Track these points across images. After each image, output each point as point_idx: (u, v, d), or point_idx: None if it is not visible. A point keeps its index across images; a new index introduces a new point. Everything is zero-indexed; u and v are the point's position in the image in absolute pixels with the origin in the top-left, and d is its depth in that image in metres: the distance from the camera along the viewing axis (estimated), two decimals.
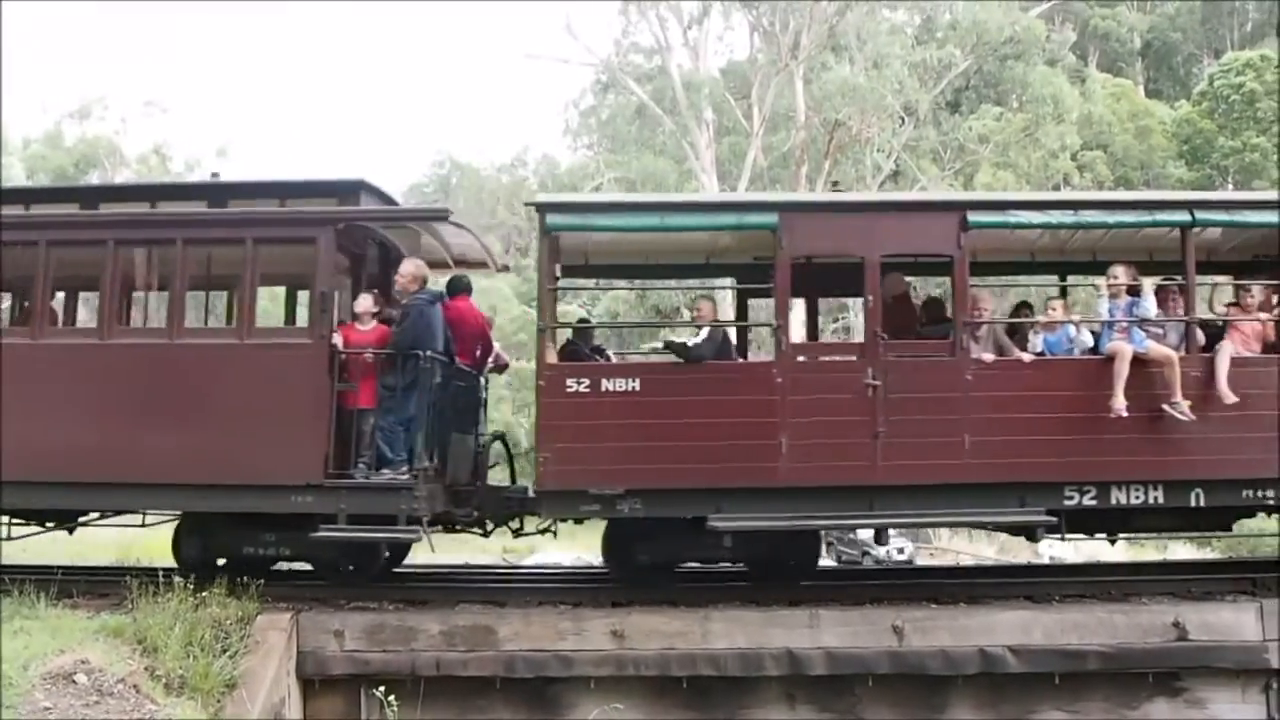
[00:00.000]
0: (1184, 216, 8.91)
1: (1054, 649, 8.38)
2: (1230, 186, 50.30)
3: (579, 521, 9.67)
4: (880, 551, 25.65)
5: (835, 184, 10.79)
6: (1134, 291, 8.88)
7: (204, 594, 8.12)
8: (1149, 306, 8.80)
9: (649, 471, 8.44)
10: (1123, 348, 8.59)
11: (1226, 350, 8.65)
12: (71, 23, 79.19)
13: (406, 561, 11.12)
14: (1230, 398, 8.42)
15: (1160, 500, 8.63)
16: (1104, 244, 9.87)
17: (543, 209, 8.95)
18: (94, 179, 44.64)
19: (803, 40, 34.72)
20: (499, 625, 8.46)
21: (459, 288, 9.44)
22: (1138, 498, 8.63)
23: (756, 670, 8.39)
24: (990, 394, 8.52)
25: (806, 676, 8.41)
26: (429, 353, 8.55)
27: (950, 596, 8.94)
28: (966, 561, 21.11)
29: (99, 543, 10.76)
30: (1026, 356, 8.79)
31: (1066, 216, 9.06)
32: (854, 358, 8.80)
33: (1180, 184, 52.29)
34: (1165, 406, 8.42)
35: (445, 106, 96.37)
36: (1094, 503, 8.61)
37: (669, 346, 9.06)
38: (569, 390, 8.49)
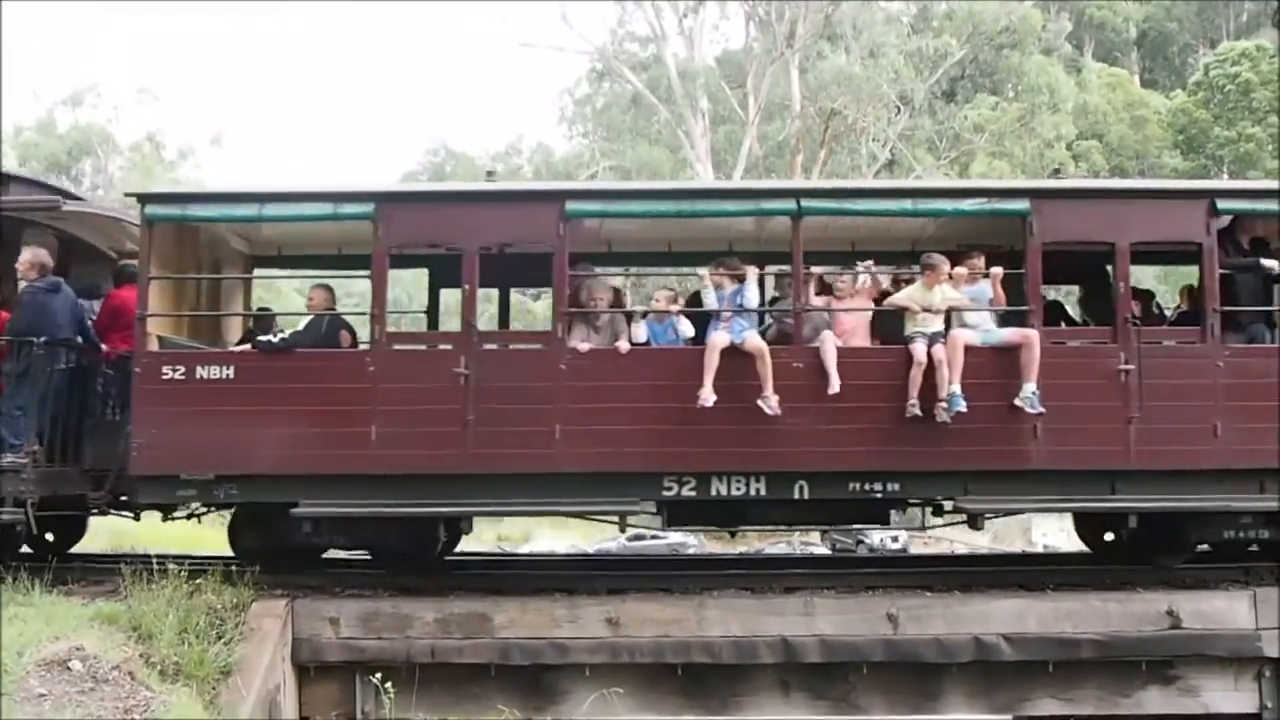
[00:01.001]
0: (790, 205, 8.75)
1: (1048, 637, 8.39)
2: (1225, 176, 50.38)
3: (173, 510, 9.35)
4: (875, 540, 25.75)
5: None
6: (742, 280, 8.69)
7: (199, 581, 8.12)
8: (750, 297, 8.62)
9: (239, 457, 8.43)
10: (714, 339, 8.39)
11: (830, 340, 8.43)
12: (64, 9, 78.81)
13: None
14: (836, 388, 8.25)
15: (763, 492, 8.54)
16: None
17: (142, 199, 8.92)
18: (86, 167, 44.49)
19: (798, 29, 34.71)
20: (494, 613, 8.46)
21: (123, 277, 9.51)
22: (739, 489, 8.54)
23: (751, 658, 8.39)
24: (583, 384, 8.42)
25: (801, 664, 8.42)
26: (44, 339, 8.53)
27: (945, 585, 8.94)
28: (961, 550, 21.21)
29: (92, 530, 10.72)
30: (624, 346, 8.60)
31: (683, 205, 8.95)
32: (449, 347, 8.72)
33: (1175, 174, 52.43)
34: (759, 401, 8.25)
35: (440, 95, 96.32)
36: (694, 494, 8.52)
37: (255, 345, 8.90)
38: (164, 377, 8.47)
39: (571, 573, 10.01)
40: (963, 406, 8.24)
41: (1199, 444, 8.49)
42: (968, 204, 9.00)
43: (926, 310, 8.53)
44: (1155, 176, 52.28)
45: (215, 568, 8.48)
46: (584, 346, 8.60)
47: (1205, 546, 9.59)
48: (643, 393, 8.45)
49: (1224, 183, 8.60)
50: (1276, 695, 8.54)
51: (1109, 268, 9.00)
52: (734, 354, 8.36)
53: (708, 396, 8.20)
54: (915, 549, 24.20)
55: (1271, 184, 9.15)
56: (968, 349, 8.45)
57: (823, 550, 25.43)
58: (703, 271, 8.86)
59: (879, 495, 8.58)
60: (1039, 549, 22.63)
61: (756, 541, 26.54)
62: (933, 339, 8.41)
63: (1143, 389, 8.49)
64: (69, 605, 7.94)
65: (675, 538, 25.33)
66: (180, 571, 8.07)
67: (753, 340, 8.42)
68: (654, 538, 25.20)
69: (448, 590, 8.87)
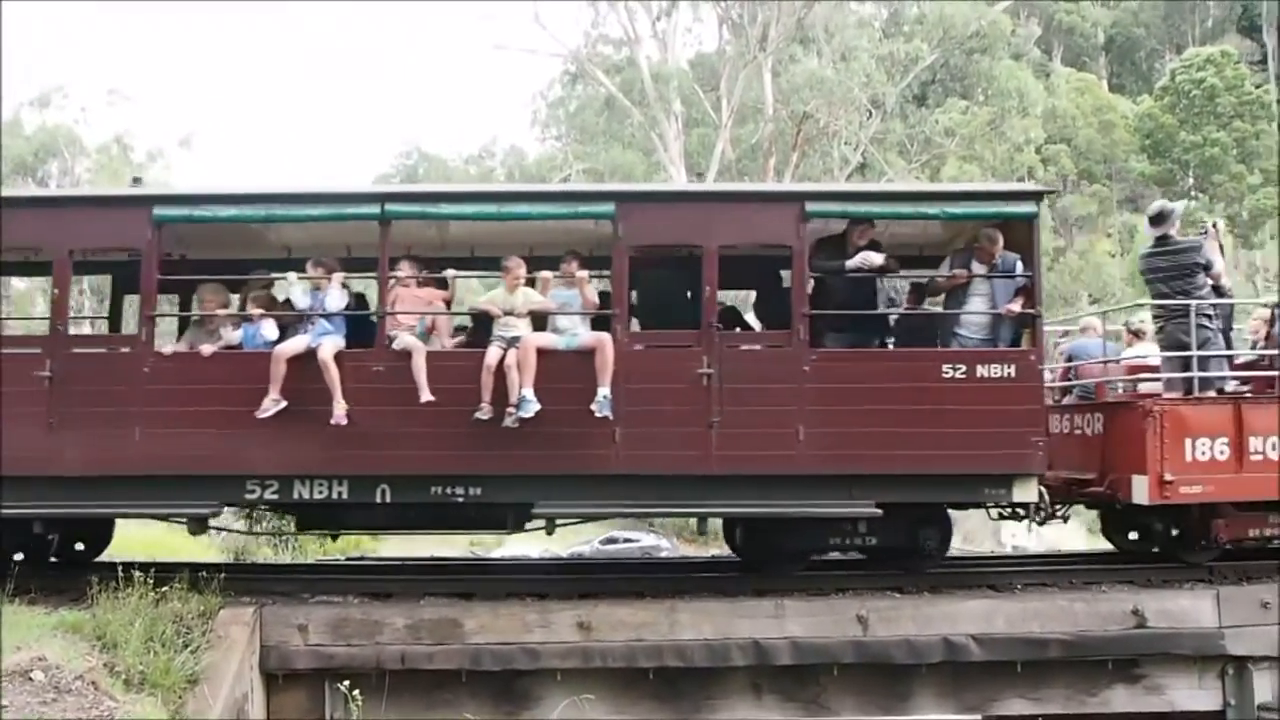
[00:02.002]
0: (375, 209, 8.69)
1: (1016, 637, 8.46)
2: (1191, 180, 51.03)
3: None
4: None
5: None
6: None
7: (165, 589, 8.03)
8: (331, 301, 8.55)
9: None
10: (281, 348, 8.36)
11: (420, 352, 8.32)
12: (31, 9, 77.85)
13: (372, 554, 11.07)
14: (427, 398, 8.18)
15: (345, 495, 8.51)
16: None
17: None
18: (53, 169, 43.95)
19: (771, 33, 34.83)
20: (465, 618, 8.43)
21: None
22: (321, 493, 8.51)
23: (723, 661, 8.41)
24: (165, 387, 8.41)
25: (772, 667, 8.45)
26: None
27: (914, 586, 9.00)
28: None
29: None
30: (207, 349, 8.60)
31: (259, 210, 8.85)
32: (126, 349, 8.70)
33: (1142, 178, 53.06)
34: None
35: (413, 97, 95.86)
36: (276, 496, 8.52)
37: None
38: None
39: (544, 577, 9.98)
40: (531, 411, 8.10)
41: (781, 449, 8.38)
42: (555, 208, 8.93)
43: (509, 314, 8.45)
44: (1122, 181, 52.95)
45: (183, 575, 8.40)
46: (168, 349, 8.64)
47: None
48: (224, 396, 8.37)
49: (815, 186, 8.50)
50: (1239, 692, 8.66)
51: (783, 273, 8.92)
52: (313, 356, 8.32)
53: (269, 407, 8.17)
54: None
55: (866, 186, 9.14)
56: (549, 353, 8.34)
57: None
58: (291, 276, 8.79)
59: (461, 499, 8.48)
60: (1008, 550, 22.80)
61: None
62: (510, 343, 8.30)
63: (723, 393, 8.39)
64: (32, 614, 7.85)
65: (648, 541, 25.31)
66: (146, 579, 7.99)
67: (322, 350, 8.31)
68: (626, 541, 25.18)
69: (418, 596, 8.83)
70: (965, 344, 8.86)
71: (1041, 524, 9.31)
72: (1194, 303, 8.99)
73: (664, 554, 23.82)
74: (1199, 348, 8.92)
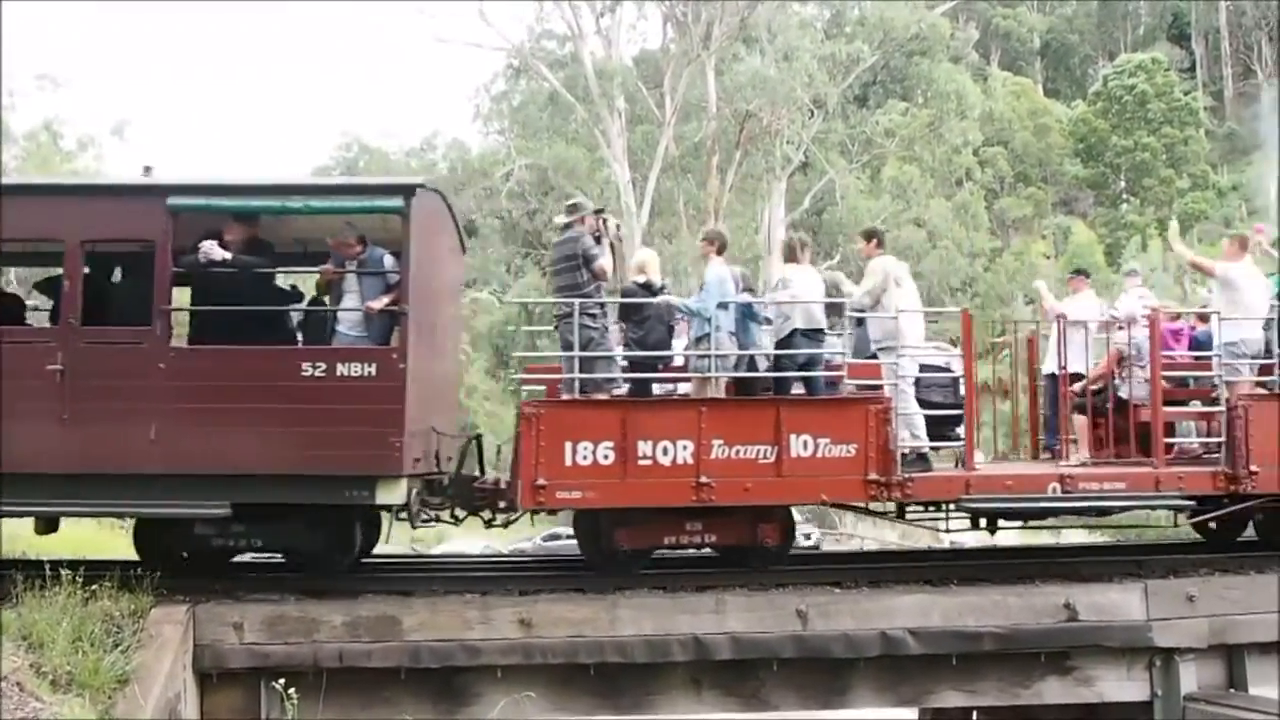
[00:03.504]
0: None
1: (951, 631, 8.59)
2: (1123, 184, 52.29)
3: None
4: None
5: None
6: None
7: (94, 588, 7.84)
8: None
9: None
10: None
11: None
12: None
13: None
14: None
15: None
16: None
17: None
18: None
19: (714, 31, 34.96)
20: (404, 615, 8.34)
21: None
22: None
23: (663, 657, 8.42)
24: None
25: (712, 662, 8.48)
26: None
27: (853, 581, 9.10)
28: (870, 547, 21.60)
29: None
30: None
31: None
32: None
33: (1076, 181, 54.24)
34: None
35: (353, 88, 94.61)
36: None
37: None
38: None
39: (484, 574, 9.91)
40: None
41: (135, 447, 8.10)
42: None
43: None
44: (1057, 184, 54.07)
45: (113, 573, 8.20)
46: None
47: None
48: None
49: (180, 180, 8.50)
50: (1166, 683, 8.88)
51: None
52: None
53: None
54: (827, 545, 24.59)
55: (233, 181, 9.03)
56: None
57: None
58: None
59: None
60: (946, 545, 23.15)
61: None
62: None
63: (76, 389, 8.14)
64: None
65: None
66: (75, 578, 7.79)
67: None
68: (569, 537, 25.10)
69: (356, 593, 8.72)
70: (343, 342, 8.65)
71: (415, 527, 9.24)
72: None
73: None
74: (583, 347, 8.59)
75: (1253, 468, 8.96)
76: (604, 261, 8.84)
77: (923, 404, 9.34)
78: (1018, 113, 50.83)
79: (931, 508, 9.69)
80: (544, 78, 37.10)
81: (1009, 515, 9.69)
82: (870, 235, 10.00)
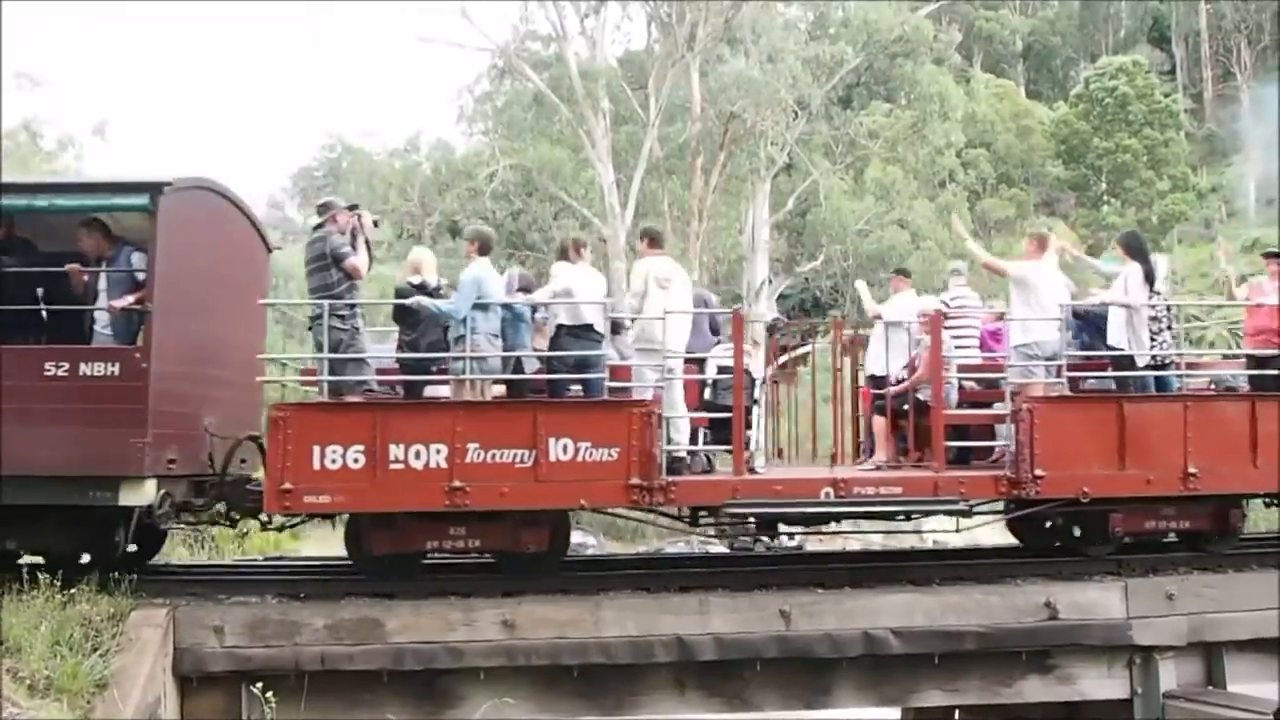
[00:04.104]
0: None
1: (934, 630, 8.63)
2: (1104, 185, 52.60)
3: None
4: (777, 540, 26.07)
5: None
6: None
7: (73, 591, 7.78)
8: None
9: None
10: None
11: None
12: None
13: (291, 554, 10.86)
14: None
15: None
16: None
17: None
18: None
19: (699, 32, 34.94)
20: (387, 618, 8.32)
21: None
22: None
23: (647, 658, 8.43)
24: None
25: (696, 662, 8.49)
26: None
27: (835, 581, 9.12)
28: (853, 547, 21.62)
29: None
30: None
31: None
32: None
33: (1058, 183, 54.53)
34: None
35: (337, 89, 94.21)
36: None
37: None
38: None
39: (467, 576, 9.88)
40: None
41: None
42: None
43: None
44: (1039, 186, 54.31)
45: (92, 577, 8.14)
46: None
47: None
48: None
49: None
50: (1146, 681, 8.95)
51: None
52: None
53: None
54: (810, 546, 24.59)
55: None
56: None
57: (720, 549, 25.68)
58: None
59: None
60: (929, 545, 23.24)
61: (656, 540, 26.64)
62: None
63: None
64: None
65: (575, 538, 25.21)
66: (53, 581, 7.73)
67: None
68: None
69: (338, 596, 8.69)
70: (99, 341, 8.57)
71: (164, 530, 9.23)
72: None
73: (590, 551, 23.81)
74: (333, 348, 8.40)
75: (1038, 472, 8.68)
76: (355, 260, 8.60)
77: (719, 407, 9.20)
78: (1000, 114, 51.04)
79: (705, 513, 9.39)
80: (528, 78, 36.99)
81: (779, 520, 9.41)
82: (645, 235, 9.75)
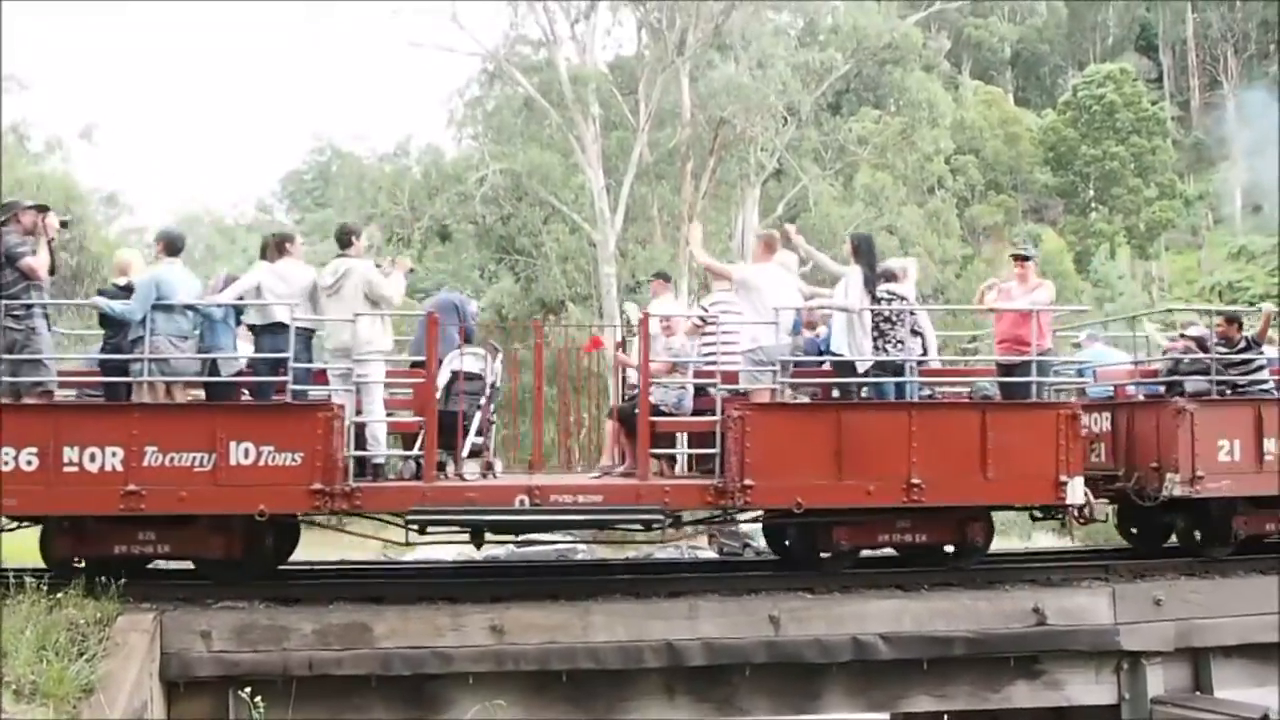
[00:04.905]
0: None
1: (923, 636, 8.64)
2: (1092, 192, 52.88)
3: None
4: (761, 543, 26.05)
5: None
6: None
7: (59, 595, 7.73)
8: None
9: None
10: None
11: None
12: None
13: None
14: None
15: None
16: None
17: None
18: None
19: (689, 38, 35.03)
20: (375, 623, 8.28)
21: None
22: None
23: (636, 663, 8.42)
24: None
25: (685, 668, 8.48)
26: None
27: (825, 586, 9.13)
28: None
29: None
30: None
31: None
32: None
33: (1046, 189, 54.78)
34: None
35: (327, 93, 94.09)
36: None
37: None
38: None
39: (456, 580, 9.87)
40: None
41: None
42: None
43: None
44: (1027, 192, 54.56)
45: (78, 581, 8.09)
46: None
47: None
48: None
49: None
50: (1133, 687, 8.98)
51: None
52: None
53: None
54: None
55: None
56: None
57: (710, 554, 25.67)
58: None
59: None
60: None
61: (645, 546, 26.61)
62: None
63: None
64: None
65: (564, 544, 25.18)
66: (39, 585, 7.68)
67: None
68: (548, 543, 24.99)
69: (327, 601, 8.66)
70: None
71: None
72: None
73: (579, 556, 23.77)
74: (9, 349, 8.21)
75: (747, 481, 8.38)
76: (32, 260, 8.41)
77: (446, 413, 8.85)
78: (989, 121, 51.31)
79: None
80: (518, 83, 37.01)
81: (476, 528, 9.03)
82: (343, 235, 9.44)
